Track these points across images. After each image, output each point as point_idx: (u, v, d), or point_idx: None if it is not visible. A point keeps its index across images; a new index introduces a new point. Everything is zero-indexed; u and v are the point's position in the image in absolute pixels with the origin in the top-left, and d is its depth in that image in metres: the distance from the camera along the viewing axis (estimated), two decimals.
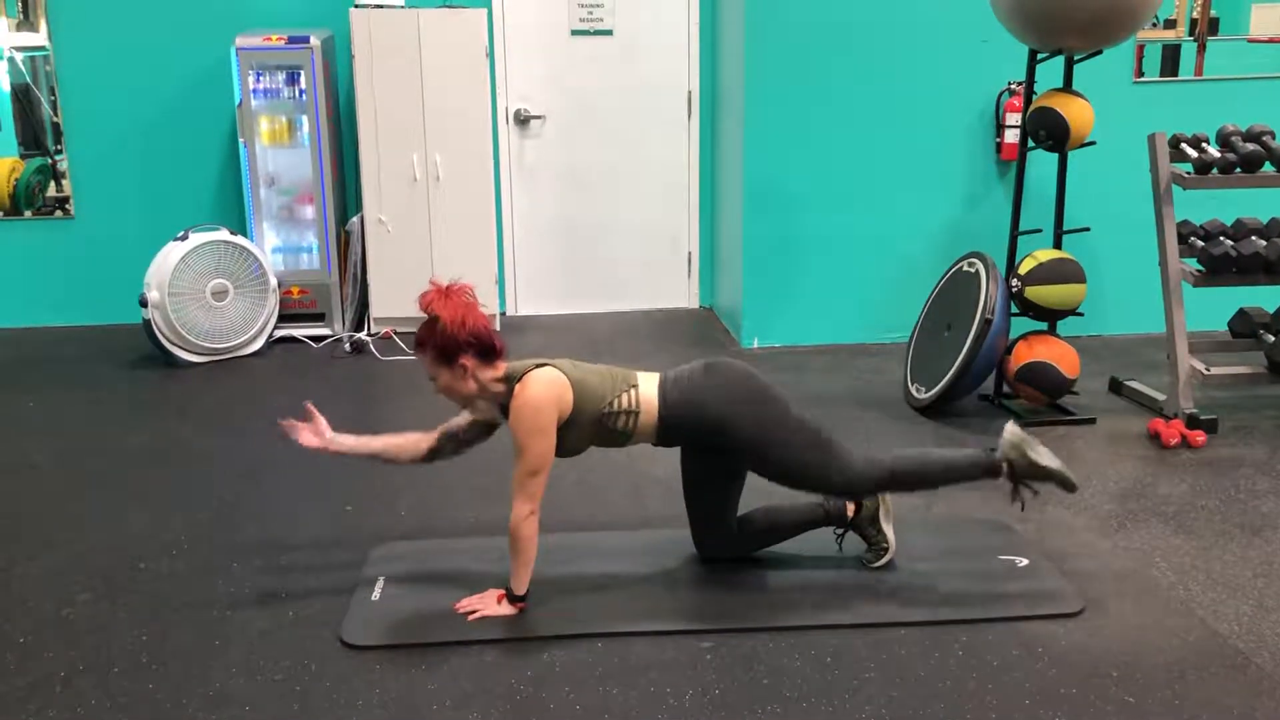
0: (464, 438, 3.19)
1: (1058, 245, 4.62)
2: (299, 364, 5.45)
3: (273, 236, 5.86)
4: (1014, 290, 4.51)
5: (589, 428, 2.99)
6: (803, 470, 3.03)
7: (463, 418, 3.19)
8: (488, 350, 2.93)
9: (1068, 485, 3.09)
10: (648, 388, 3.03)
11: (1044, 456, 3.08)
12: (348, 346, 5.64)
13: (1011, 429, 3.12)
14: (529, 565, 2.96)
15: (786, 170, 5.53)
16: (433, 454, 3.20)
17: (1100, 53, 4.42)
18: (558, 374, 2.93)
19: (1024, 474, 3.09)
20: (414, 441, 3.20)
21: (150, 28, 5.86)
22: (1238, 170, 4.50)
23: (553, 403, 2.89)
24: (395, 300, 5.78)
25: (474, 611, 2.99)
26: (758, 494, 3.31)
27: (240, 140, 5.69)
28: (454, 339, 2.87)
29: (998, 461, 3.10)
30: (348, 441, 3.20)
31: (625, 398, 2.99)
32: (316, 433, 3.18)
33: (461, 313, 2.88)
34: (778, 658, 2.81)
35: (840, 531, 3.30)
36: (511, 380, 2.94)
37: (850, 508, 3.25)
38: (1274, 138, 4.52)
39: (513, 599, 2.99)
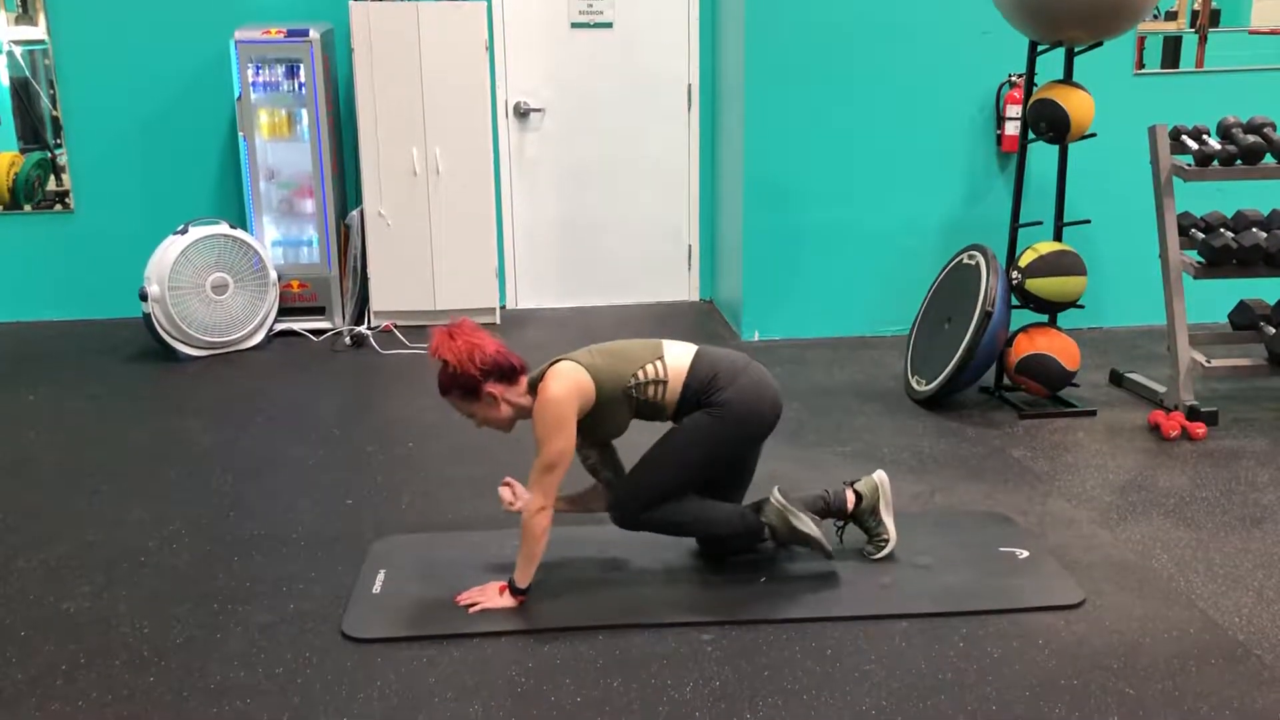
0: (600, 461, 3.27)
1: (1058, 237, 4.62)
2: (299, 358, 5.44)
3: (273, 230, 5.85)
4: (1014, 282, 4.51)
5: (620, 404, 3.03)
6: (650, 477, 3.09)
7: (581, 458, 3.26)
8: (506, 372, 2.97)
9: (824, 551, 3.14)
10: (676, 358, 3.06)
11: (804, 523, 3.13)
12: (348, 340, 5.63)
13: (776, 496, 3.17)
14: (536, 559, 2.98)
15: (787, 163, 5.52)
16: (608, 473, 3.28)
17: (1101, 44, 4.41)
18: (573, 365, 2.97)
19: (784, 539, 3.17)
20: (597, 490, 3.29)
21: (149, 21, 5.85)
22: (1238, 162, 4.49)
23: (573, 395, 2.93)
24: (395, 294, 5.77)
25: (475, 604, 2.99)
26: (758, 487, 3.31)
27: (240, 134, 5.68)
28: (469, 375, 2.92)
29: (760, 524, 3.17)
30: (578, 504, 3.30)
31: (651, 367, 3.03)
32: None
33: (467, 349, 2.92)
34: (778, 650, 2.81)
35: (841, 524, 3.31)
36: (535, 386, 2.99)
37: (851, 499, 3.26)
38: (1275, 129, 4.52)
39: (514, 591, 2.99)
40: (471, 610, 2.97)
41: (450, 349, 2.92)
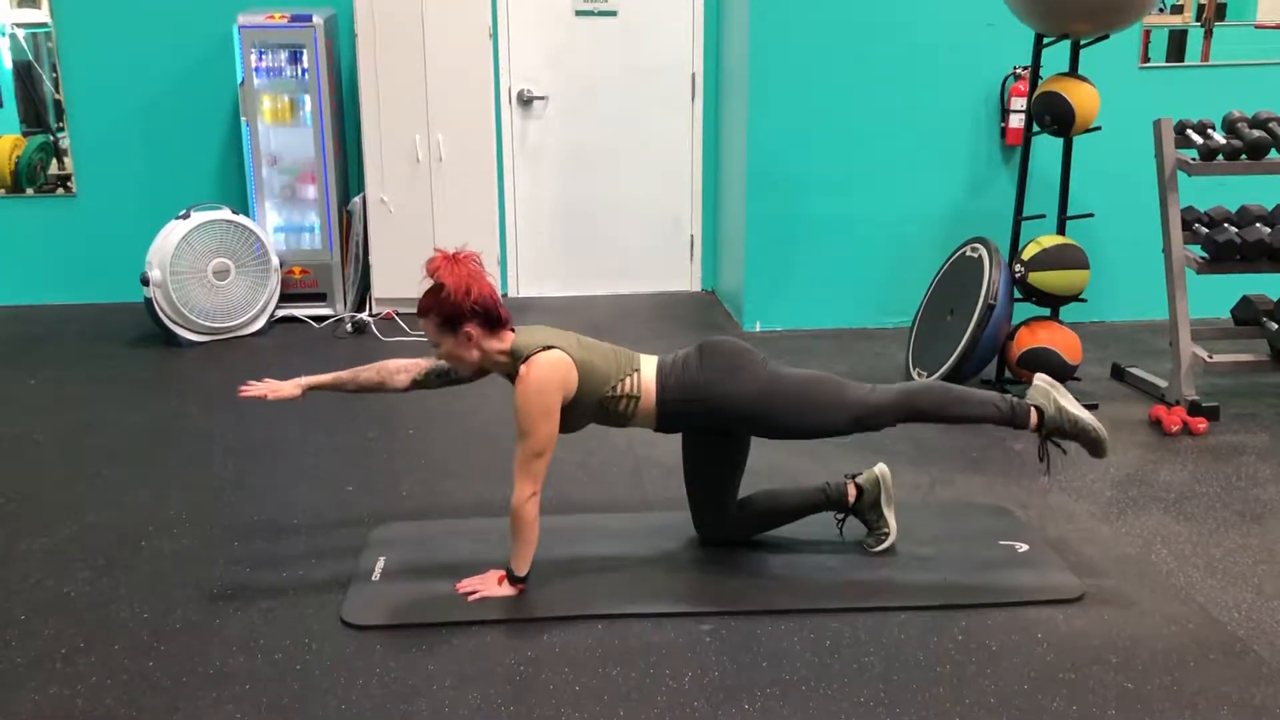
0: (453, 377, 3.17)
1: (1061, 231, 4.61)
2: (300, 344, 5.44)
3: (274, 216, 5.85)
4: (1017, 276, 4.50)
5: (591, 408, 2.99)
6: (812, 424, 3.03)
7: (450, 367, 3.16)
8: (493, 319, 2.91)
9: (1097, 445, 3.06)
10: (648, 372, 3.03)
11: (1073, 404, 3.06)
12: (349, 326, 5.63)
13: (1041, 377, 3.10)
14: (531, 546, 2.97)
15: (789, 153, 5.51)
16: (415, 385, 3.18)
17: (1106, 37, 4.40)
18: (563, 356, 2.91)
19: (1053, 426, 3.06)
20: (393, 371, 3.17)
21: (153, 5, 5.83)
22: (1243, 157, 4.48)
23: (558, 385, 2.88)
24: (397, 280, 5.77)
25: (474, 592, 2.99)
26: (758, 477, 3.31)
27: (242, 119, 5.67)
28: (458, 306, 2.86)
29: (1026, 407, 3.07)
30: (318, 379, 3.18)
31: (628, 381, 3.00)
32: (275, 388, 3.13)
33: (467, 280, 2.86)
34: (777, 640, 2.81)
35: (841, 517, 3.30)
36: (517, 357, 2.92)
37: (851, 492, 3.25)
38: None
39: (513, 580, 2.99)
40: (471, 598, 2.97)
41: (450, 273, 2.86)
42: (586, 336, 3.10)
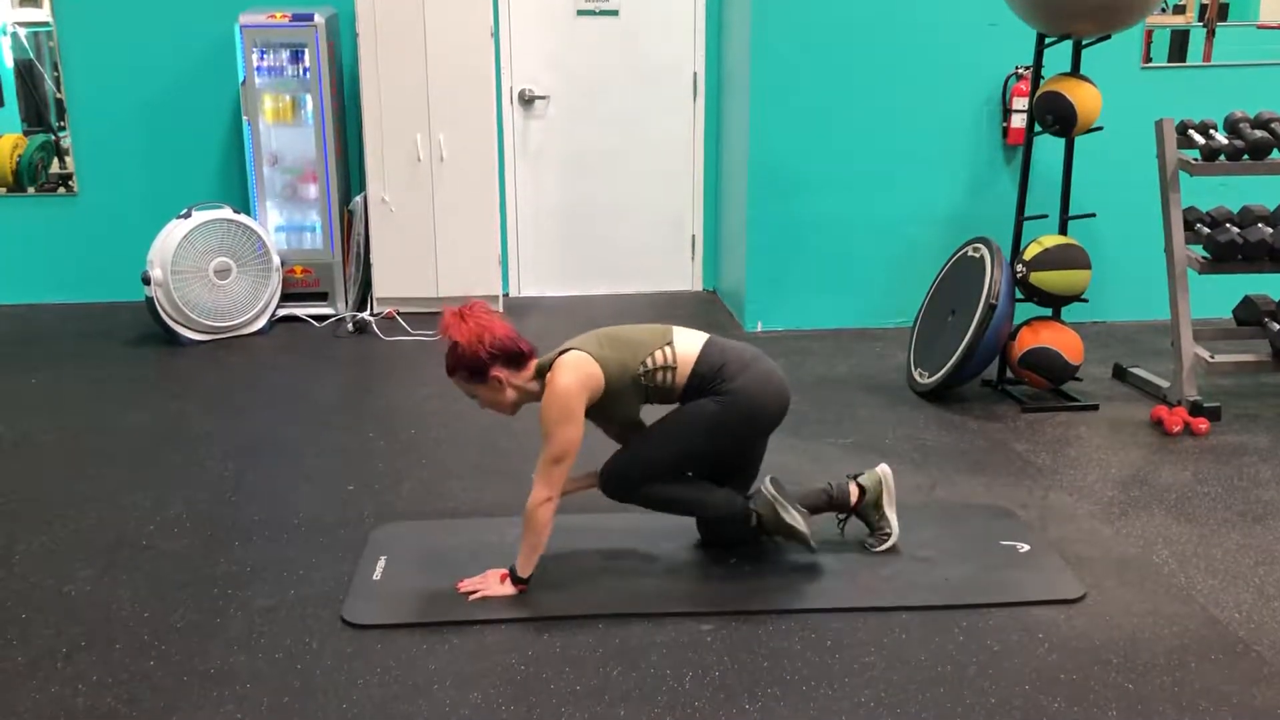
0: (619, 437, 3.23)
1: (1063, 231, 4.61)
2: (301, 343, 5.44)
3: (276, 215, 5.84)
4: (1019, 276, 4.50)
5: (631, 393, 3.02)
6: (646, 452, 3.08)
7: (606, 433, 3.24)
8: (515, 357, 2.97)
9: (807, 546, 3.16)
10: (685, 345, 3.04)
11: (791, 516, 3.12)
12: (350, 326, 5.63)
13: (767, 485, 3.18)
14: (539, 550, 2.98)
15: (791, 153, 5.50)
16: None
17: (1109, 37, 4.39)
18: (582, 355, 2.95)
19: (771, 529, 3.17)
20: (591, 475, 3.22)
21: (154, 4, 5.83)
22: (1245, 157, 4.48)
23: (582, 387, 2.92)
24: (398, 280, 5.76)
25: (475, 591, 2.99)
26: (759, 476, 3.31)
27: (244, 118, 5.67)
28: (477, 357, 2.92)
29: (749, 511, 3.16)
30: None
31: (660, 354, 3.02)
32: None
33: (478, 331, 2.91)
34: (778, 641, 2.81)
35: (843, 516, 3.30)
36: (543, 372, 2.98)
37: (854, 493, 3.25)
38: None
39: (515, 580, 2.99)
40: (472, 598, 2.97)
41: (460, 330, 2.92)
42: (616, 327, 3.13)
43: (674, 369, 3.02)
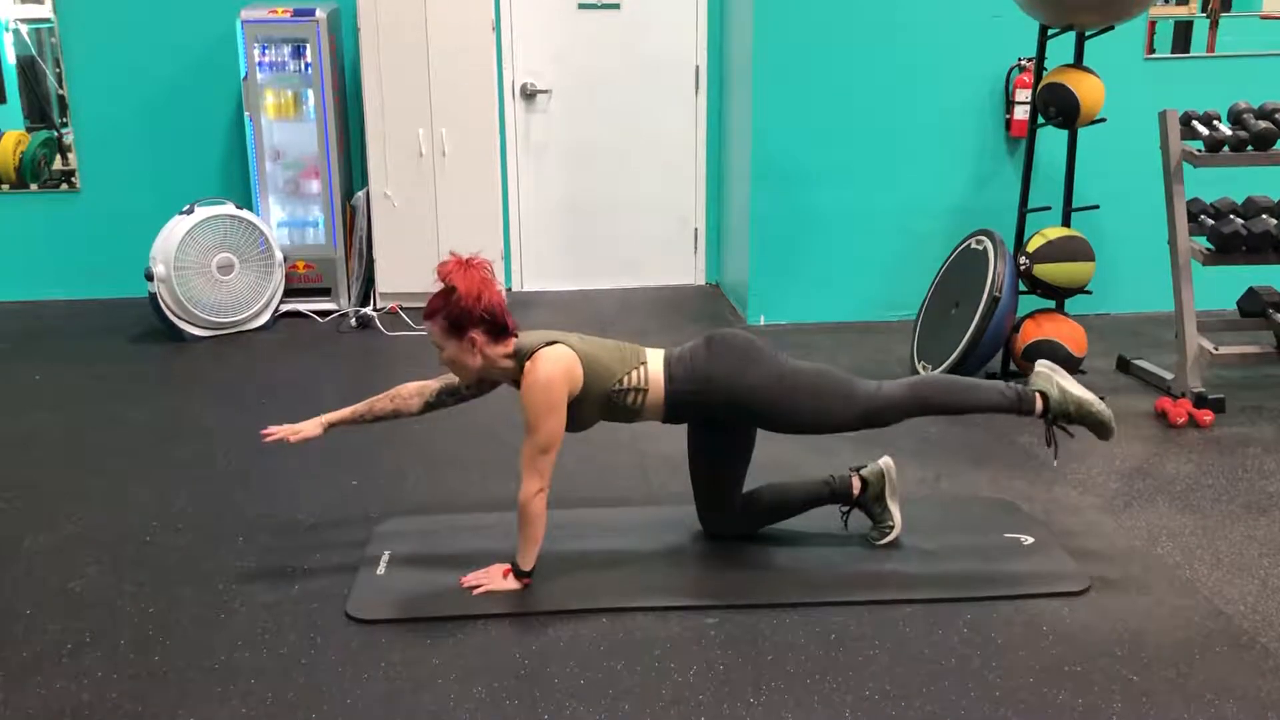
0: (465, 394, 3.18)
1: (1066, 223, 4.60)
2: (304, 339, 5.44)
3: (278, 211, 5.85)
4: (1022, 268, 4.49)
5: (598, 404, 2.98)
6: (818, 418, 3.03)
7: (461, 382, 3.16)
8: (499, 328, 2.92)
9: (1103, 427, 3.08)
10: (655, 365, 3.03)
11: (1076, 386, 3.08)
12: (353, 321, 5.63)
13: (1042, 363, 3.13)
14: (537, 542, 2.97)
15: (794, 146, 5.50)
16: (428, 408, 3.18)
17: (1112, 28, 4.38)
18: (568, 351, 2.92)
19: (1059, 410, 3.08)
20: (406, 397, 3.17)
21: (155, 0, 5.83)
22: (1249, 148, 4.46)
23: (564, 380, 2.88)
24: (401, 275, 5.77)
25: (479, 586, 2.99)
26: (762, 470, 3.31)
27: (246, 114, 5.67)
28: (467, 312, 2.86)
29: (1032, 394, 3.09)
30: (337, 415, 3.18)
31: (635, 375, 2.99)
32: (295, 430, 3.15)
33: (479, 286, 2.87)
34: (782, 634, 2.81)
35: (846, 510, 3.30)
36: (521, 356, 2.93)
37: (856, 486, 3.25)
38: None
39: (519, 574, 2.99)
40: (476, 592, 2.97)
41: (462, 277, 2.86)
42: (588, 335, 3.09)
43: (645, 391, 2.99)
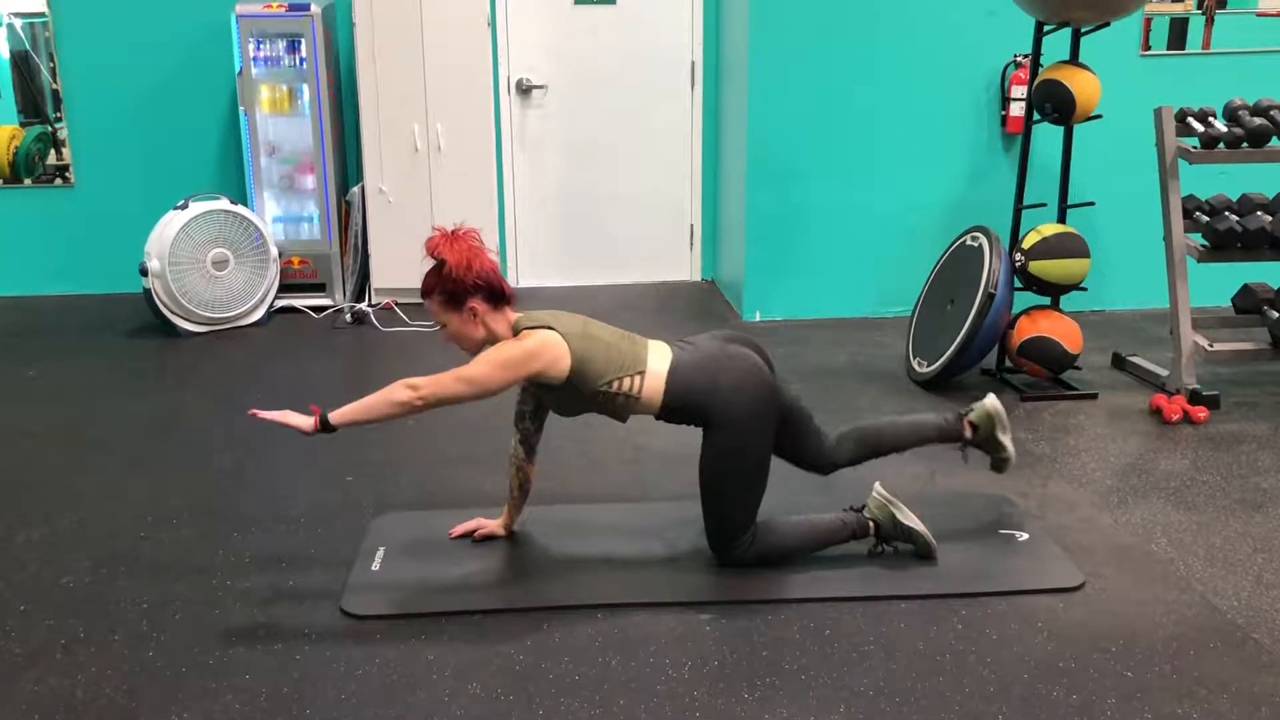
0: (533, 413, 3.16)
1: (1062, 219, 4.60)
2: (299, 334, 5.44)
3: (273, 206, 5.84)
4: (1017, 264, 4.49)
5: (582, 399, 2.96)
6: (723, 510, 3.02)
7: (518, 401, 3.17)
8: (497, 294, 2.91)
9: (928, 548, 3.13)
10: (654, 377, 2.95)
11: (908, 517, 3.13)
12: (348, 317, 5.62)
13: (879, 489, 3.16)
14: (366, 416, 2.82)
15: (789, 142, 5.50)
16: (530, 450, 3.19)
17: (1107, 25, 4.38)
18: (559, 340, 2.87)
19: (889, 534, 3.15)
20: (519, 462, 3.18)
21: None
22: (1244, 145, 4.47)
23: (538, 361, 2.83)
24: (396, 271, 5.76)
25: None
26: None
27: (241, 109, 5.66)
28: (461, 281, 2.85)
29: (865, 521, 3.14)
30: (506, 516, 3.26)
31: (627, 382, 2.94)
32: (480, 524, 3.26)
33: (468, 256, 2.86)
34: (777, 630, 2.81)
35: (960, 447, 3.39)
36: (516, 331, 2.93)
37: (967, 430, 3.33)
38: None
39: (324, 425, 2.83)
40: (262, 416, 2.84)
41: (451, 249, 2.85)
42: (600, 323, 3.06)
43: (637, 399, 2.94)
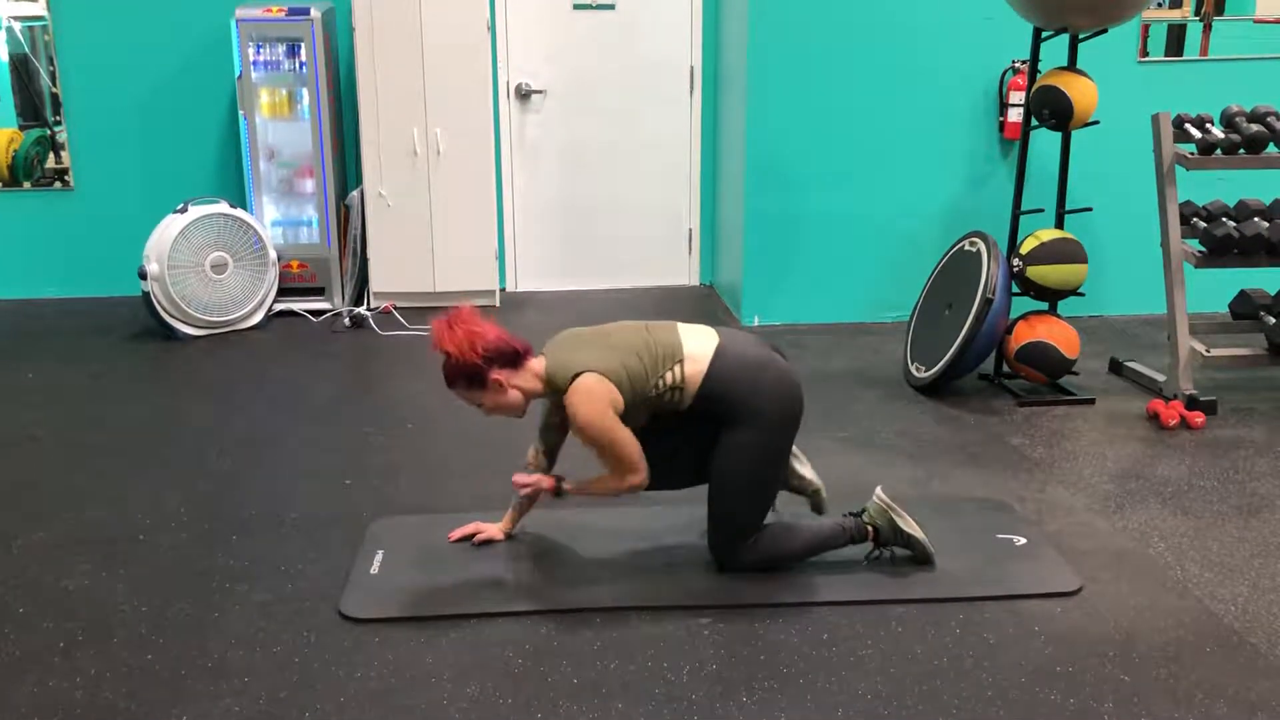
0: (559, 425, 3.21)
1: (1059, 225, 4.61)
2: (298, 338, 5.44)
3: (272, 210, 5.84)
4: (1015, 270, 4.50)
5: (641, 409, 3.01)
6: (734, 499, 3.03)
7: (546, 413, 3.22)
8: (510, 357, 2.95)
9: (927, 553, 3.12)
10: (694, 360, 2.98)
11: (908, 524, 3.12)
12: (347, 321, 5.63)
13: (879, 494, 3.15)
14: (599, 495, 3.03)
15: (788, 148, 5.51)
16: (553, 461, 3.25)
17: (1105, 31, 4.40)
18: (599, 380, 2.91)
19: (888, 540, 3.13)
20: (536, 473, 3.20)
21: None
22: (1241, 151, 4.48)
23: (609, 408, 2.90)
24: (394, 275, 5.76)
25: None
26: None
27: (240, 112, 5.66)
28: (473, 364, 2.90)
29: (864, 526, 3.14)
30: (507, 520, 3.32)
31: (670, 375, 2.98)
32: (482, 530, 3.30)
33: (468, 338, 2.90)
34: (775, 634, 2.81)
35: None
36: (556, 386, 2.96)
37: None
38: (1278, 119, 4.50)
39: (558, 488, 3.05)
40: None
41: (451, 340, 2.90)
42: (612, 326, 3.09)
43: (682, 389, 2.99)
